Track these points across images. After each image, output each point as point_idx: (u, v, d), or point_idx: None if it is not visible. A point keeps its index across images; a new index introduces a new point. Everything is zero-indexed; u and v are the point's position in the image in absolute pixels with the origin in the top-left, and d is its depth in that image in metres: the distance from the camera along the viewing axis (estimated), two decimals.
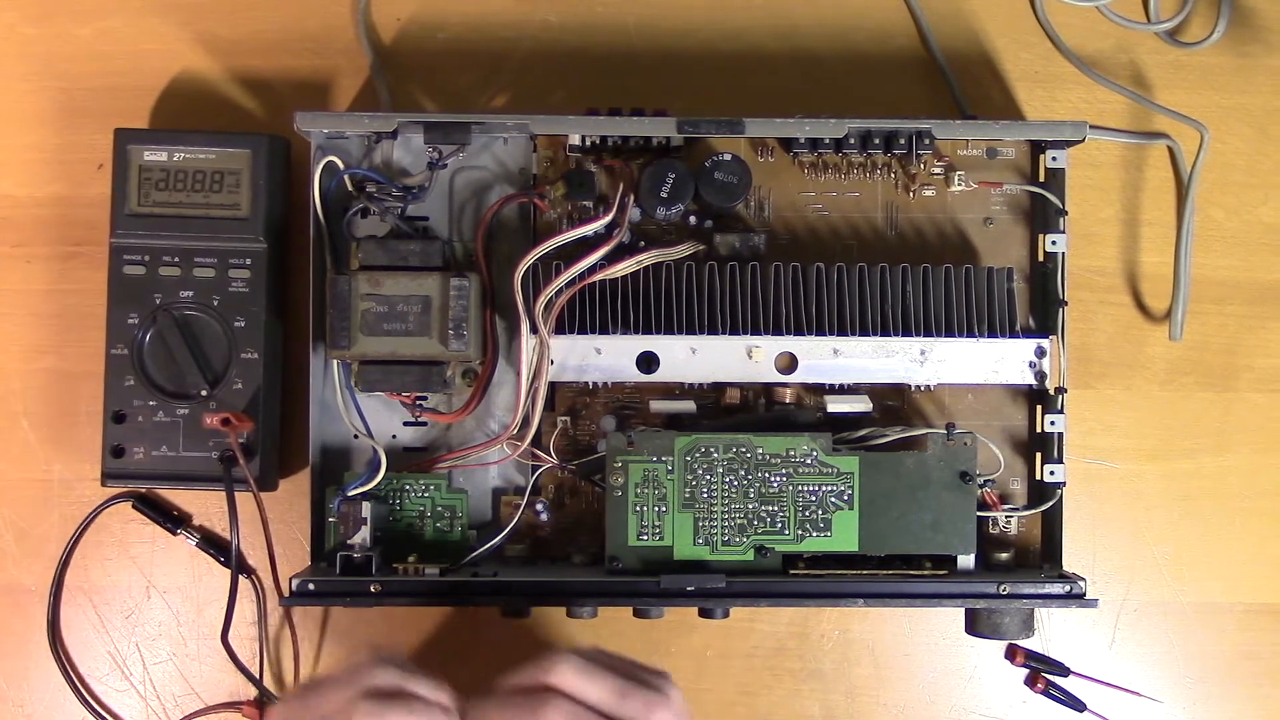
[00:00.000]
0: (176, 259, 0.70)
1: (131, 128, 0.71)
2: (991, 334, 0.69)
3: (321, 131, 0.69)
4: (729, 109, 0.70)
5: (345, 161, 0.70)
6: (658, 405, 0.70)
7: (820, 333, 0.68)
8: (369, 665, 0.56)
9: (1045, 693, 0.74)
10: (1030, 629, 0.68)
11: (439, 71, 0.76)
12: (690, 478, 0.67)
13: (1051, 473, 0.69)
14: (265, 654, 0.74)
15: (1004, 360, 0.69)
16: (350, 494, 0.67)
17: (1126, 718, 0.74)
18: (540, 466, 0.70)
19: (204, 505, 0.74)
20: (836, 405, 0.69)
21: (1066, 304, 0.69)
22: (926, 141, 0.69)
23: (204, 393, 0.69)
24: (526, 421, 0.68)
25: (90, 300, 0.72)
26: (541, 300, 0.67)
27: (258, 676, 0.73)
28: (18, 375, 0.74)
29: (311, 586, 0.65)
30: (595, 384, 0.69)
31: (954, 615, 0.72)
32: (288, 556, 0.73)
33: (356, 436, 0.70)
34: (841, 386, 0.70)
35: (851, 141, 0.69)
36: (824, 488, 0.67)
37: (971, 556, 0.68)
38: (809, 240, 0.72)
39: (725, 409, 0.71)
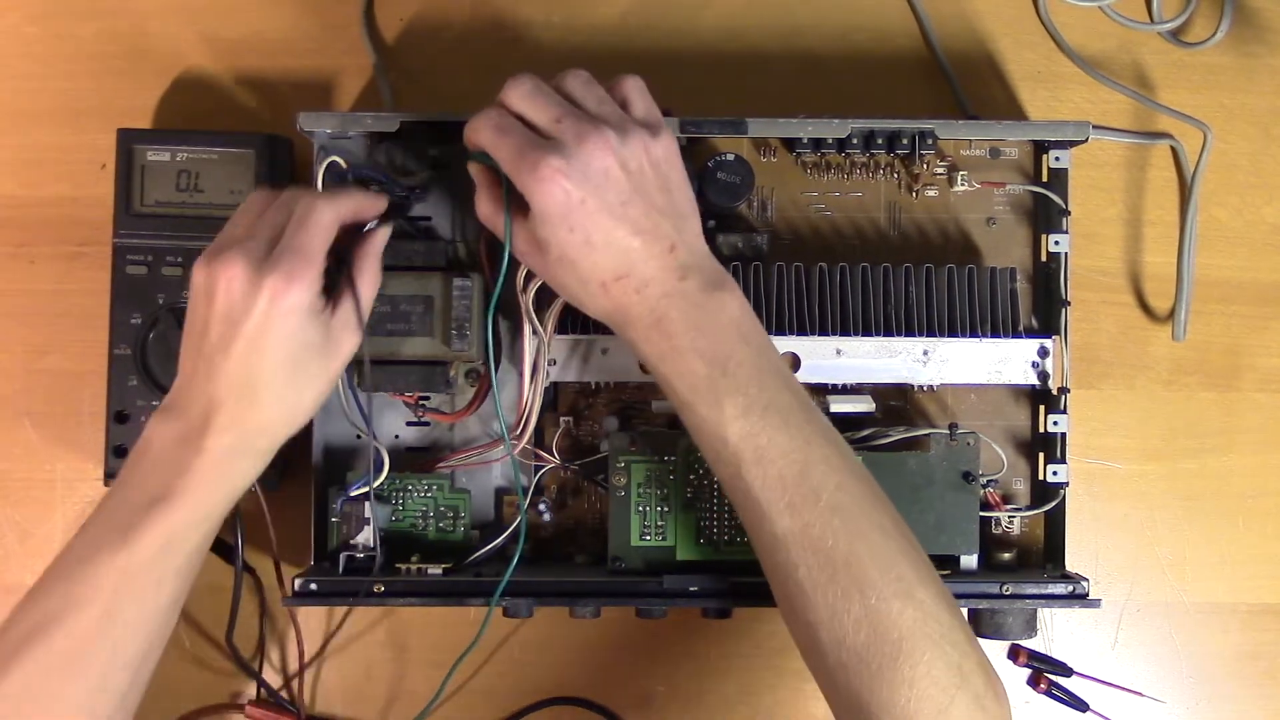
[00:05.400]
0: (179, 259, 0.70)
1: (134, 128, 0.71)
2: (994, 334, 0.69)
3: (324, 131, 0.69)
4: (731, 109, 0.70)
5: (348, 161, 0.69)
6: (660, 405, 0.70)
7: (823, 333, 0.68)
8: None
9: (1048, 693, 0.74)
10: (1033, 629, 0.68)
11: (442, 71, 0.76)
12: (693, 477, 0.67)
13: (1054, 473, 0.69)
14: (268, 654, 0.74)
15: (1007, 360, 0.68)
16: (353, 494, 0.67)
17: (1129, 718, 0.74)
18: (543, 466, 0.70)
19: None
20: (839, 405, 0.69)
21: (1069, 304, 0.69)
22: (929, 141, 0.69)
23: None
24: (528, 421, 0.68)
25: (93, 300, 0.72)
26: (535, 295, 0.67)
27: (261, 676, 0.73)
28: (21, 375, 0.74)
29: (314, 586, 0.65)
30: (598, 384, 0.69)
31: None
32: (290, 556, 0.73)
33: (359, 436, 0.70)
34: (844, 387, 0.69)
35: (854, 141, 0.69)
36: None
37: (974, 557, 0.68)
38: (812, 240, 0.72)
39: None
